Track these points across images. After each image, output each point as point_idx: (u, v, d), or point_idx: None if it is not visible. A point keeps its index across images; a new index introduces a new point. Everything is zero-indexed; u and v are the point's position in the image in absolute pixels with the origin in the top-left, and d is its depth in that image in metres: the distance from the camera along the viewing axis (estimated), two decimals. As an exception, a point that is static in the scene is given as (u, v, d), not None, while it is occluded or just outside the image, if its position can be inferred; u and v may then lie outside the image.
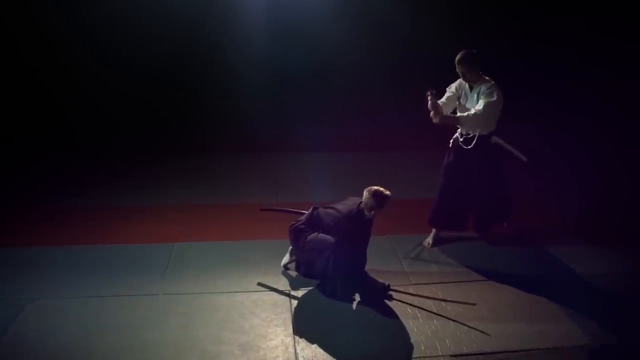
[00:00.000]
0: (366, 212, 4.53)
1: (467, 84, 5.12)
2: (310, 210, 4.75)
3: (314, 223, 4.67)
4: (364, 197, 4.51)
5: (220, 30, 8.72)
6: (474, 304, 4.57)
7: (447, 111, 5.16)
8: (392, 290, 4.71)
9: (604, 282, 4.94)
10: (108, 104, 8.53)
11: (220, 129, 8.49)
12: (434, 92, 4.96)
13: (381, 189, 4.50)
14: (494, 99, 4.92)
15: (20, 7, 8.31)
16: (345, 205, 4.63)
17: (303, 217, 4.75)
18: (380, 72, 8.89)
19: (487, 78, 5.04)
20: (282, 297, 4.66)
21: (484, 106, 4.92)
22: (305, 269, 4.82)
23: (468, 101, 5.13)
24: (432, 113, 5.00)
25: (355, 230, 4.56)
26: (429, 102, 4.96)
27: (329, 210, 4.66)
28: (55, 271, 4.93)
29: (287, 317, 4.40)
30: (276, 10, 8.75)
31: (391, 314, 4.45)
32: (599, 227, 5.94)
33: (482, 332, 4.23)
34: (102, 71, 8.56)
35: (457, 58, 4.99)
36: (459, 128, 5.25)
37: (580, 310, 4.51)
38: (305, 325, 4.30)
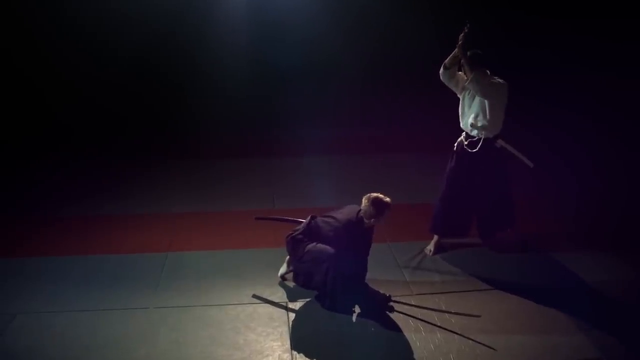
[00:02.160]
0: (366, 221, 4.38)
1: None
2: (307, 220, 4.59)
3: (312, 233, 4.51)
4: (362, 205, 4.37)
5: (214, 31, 8.62)
6: (479, 316, 4.41)
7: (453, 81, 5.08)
8: (393, 301, 4.54)
9: (612, 291, 4.78)
10: (96, 109, 8.42)
11: (213, 133, 8.37)
12: (469, 26, 4.80)
13: (380, 195, 4.35)
14: (501, 83, 4.87)
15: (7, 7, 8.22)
16: (344, 213, 4.47)
17: (300, 227, 4.58)
18: (379, 72, 8.80)
19: (495, 78, 4.92)
20: (279, 309, 4.49)
21: (492, 83, 4.83)
22: (303, 279, 4.63)
23: (475, 100, 4.99)
24: (459, 43, 4.83)
25: (355, 239, 4.40)
26: (463, 32, 4.80)
27: (328, 220, 4.50)
28: (43, 283, 4.80)
29: (285, 331, 4.23)
30: (272, 10, 8.65)
31: (392, 327, 4.29)
32: (605, 233, 5.76)
33: (488, 346, 4.06)
34: (96, 75, 8.45)
35: (462, 62, 4.84)
36: (463, 132, 5.12)
37: (590, 321, 4.34)
38: (303, 340, 4.15)
